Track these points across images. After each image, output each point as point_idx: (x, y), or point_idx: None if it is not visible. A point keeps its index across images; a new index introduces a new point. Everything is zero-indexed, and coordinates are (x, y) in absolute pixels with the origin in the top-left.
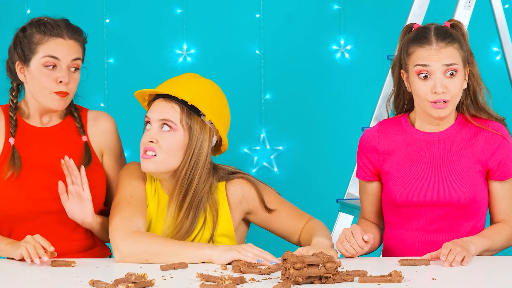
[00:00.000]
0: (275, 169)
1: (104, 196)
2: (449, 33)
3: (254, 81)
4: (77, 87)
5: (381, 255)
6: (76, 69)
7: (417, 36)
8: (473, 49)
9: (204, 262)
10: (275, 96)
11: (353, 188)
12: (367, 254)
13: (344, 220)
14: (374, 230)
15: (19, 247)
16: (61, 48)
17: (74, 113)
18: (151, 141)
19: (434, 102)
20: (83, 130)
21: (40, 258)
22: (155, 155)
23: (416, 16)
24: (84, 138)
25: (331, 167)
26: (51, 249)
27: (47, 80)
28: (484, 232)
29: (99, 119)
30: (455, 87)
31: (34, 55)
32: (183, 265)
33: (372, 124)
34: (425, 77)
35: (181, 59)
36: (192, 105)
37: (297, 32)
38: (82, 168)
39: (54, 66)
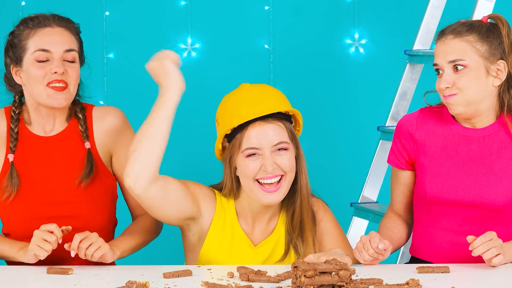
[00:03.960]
0: None
1: (114, 208)
2: (467, 26)
3: (263, 77)
4: (82, 87)
5: (409, 252)
6: (73, 62)
7: (440, 31)
8: None
9: (209, 269)
10: (285, 94)
11: (368, 191)
12: (392, 253)
13: (359, 225)
14: (400, 227)
15: (27, 250)
16: (50, 39)
17: (79, 114)
18: (274, 168)
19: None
20: (86, 134)
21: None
22: (279, 180)
23: (435, 8)
24: (87, 145)
25: (344, 169)
26: (63, 229)
27: (40, 73)
28: None
29: (105, 117)
30: (463, 83)
31: (25, 52)
32: (187, 273)
33: (389, 123)
34: (439, 72)
35: (185, 54)
36: (283, 116)
37: (309, 25)
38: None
39: (47, 60)
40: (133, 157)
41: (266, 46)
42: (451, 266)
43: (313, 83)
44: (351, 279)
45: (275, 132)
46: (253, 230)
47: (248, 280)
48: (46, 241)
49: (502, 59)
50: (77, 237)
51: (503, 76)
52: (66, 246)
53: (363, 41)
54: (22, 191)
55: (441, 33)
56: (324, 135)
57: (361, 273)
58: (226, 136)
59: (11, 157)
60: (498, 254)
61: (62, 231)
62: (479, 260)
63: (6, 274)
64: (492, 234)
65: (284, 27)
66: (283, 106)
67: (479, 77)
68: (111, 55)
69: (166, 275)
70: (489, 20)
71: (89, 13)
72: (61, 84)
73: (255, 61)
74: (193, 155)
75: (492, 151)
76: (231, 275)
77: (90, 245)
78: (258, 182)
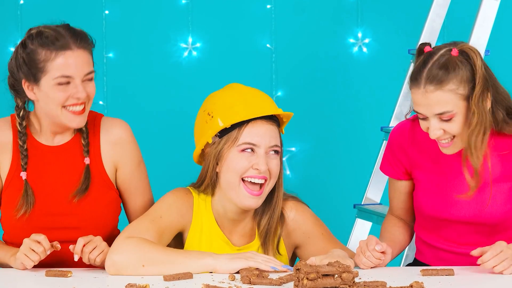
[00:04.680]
0: (288, 172)
1: (117, 219)
2: (443, 69)
3: (264, 77)
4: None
5: (414, 256)
6: (91, 79)
7: (413, 74)
8: (500, 44)
9: (211, 272)
10: (287, 94)
11: (371, 193)
12: (395, 257)
13: (362, 227)
14: (401, 230)
15: (16, 258)
16: (72, 63)
17: (83, 127)
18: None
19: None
20: (87, 149)
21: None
22: (263, 183)
23: (440, 7)
24: (87, 161)
25: (347, 170)
26: (52, 244)
27: (62, 97)
28: None
29: (110, 130)
30: (453, 129)
31: (44, 74)
32: (188, 275)
33: (392, 123)
34: (423, 118)
35: (186, 53)
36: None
37: (311, 24)
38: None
39: (68, 83)
40: (134, 259)
41: (268, 45)
42: (456, 268)
43: (316, 82)
44: (354, 282)
45: (273, 134)
46: (231, 236)
47: (250, 283)
48: (34, 251)
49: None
50: (81, 241)
51: (489, 103)
52: (71, 248)
53: (367, 40)
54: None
55: (416, 80)
56: (326, 135)
57: (365, 275)
58: (220, 131)
59: (24, 175)
60: (510, 266)
61: (52, 245)
62: None
63: (5, 277)
64: (502, 246)
65: (286, 26)
66: (279, 109)
67: (468, 118)
68: (110, 55)
69: (167, 278)
70: (458, 51)
71: (88, 12)
72: (80, 108)
73: (256, 61)
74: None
75: (483, 168)
76: (233, 278)
77: (93, 249)
78: (243, 182)
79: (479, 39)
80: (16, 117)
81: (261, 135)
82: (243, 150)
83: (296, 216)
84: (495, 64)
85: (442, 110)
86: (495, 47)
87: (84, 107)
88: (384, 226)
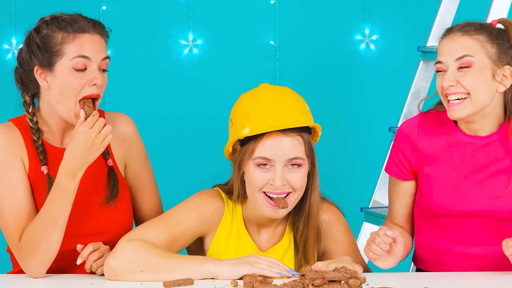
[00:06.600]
0: None
1: (131, 221)
2: (477, 25)
3: (268, 75)
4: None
5: (412, 264)
6: (104, 70)
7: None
8: None
9: (213, 279)
10: None
11: (379, 196)
12: (401, 260)
13: (369, 231)
14: (403, 234)
15: None
16: (90, 45)
17: None
18: (284, 184)
19: (448, 100)
20: (107, 151)
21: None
22: (286, 196)
23: (450, 2)
24: (110, 163)
25: (354, 172)
26: None
27: (79, 84)
28: None
29: (117, 125)
30: (468, 82)
31: (59, 57)
32: (189, 282)
33: (400, 123)
34: (440, 71)
35: (186, 51)
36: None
37: (317, 20)
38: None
39: (85, 69)
40: (132, 264)
41: (271, 42)
42: (468, 274)
43: (321, 81)
44: None
45: (292, 146)
46: (259, 237)
47: None
48: None
49: (509, 64)
50: (90, 247)
51: (508, 83)
52: (79, 248)
53: (374, 37)
54: None
55: (448, 31)
56: (332, 136)
57: (372, 281)
58: (239, 139)
59: (45, 169)
60: None
61: None
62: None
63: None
64: None
65: (290, 22)
66: (304, 119)
67: (485, 78)
68: (108, 52)
69: (166, 284)
70: (498, 24)
71: (85, 8)
72: (96, 93)
73: (260, 58)
74: (195, 154)
75: (497, 159)
76: (235, 284)
77: (98, 259)
78: (264, 193)
79: None
80: (26, 114)
81: (277, 148)
82: (258, 165)
83: (331, 219)
84: None
85: (463, 53)
86: None
87: (98, 95)
88: None
